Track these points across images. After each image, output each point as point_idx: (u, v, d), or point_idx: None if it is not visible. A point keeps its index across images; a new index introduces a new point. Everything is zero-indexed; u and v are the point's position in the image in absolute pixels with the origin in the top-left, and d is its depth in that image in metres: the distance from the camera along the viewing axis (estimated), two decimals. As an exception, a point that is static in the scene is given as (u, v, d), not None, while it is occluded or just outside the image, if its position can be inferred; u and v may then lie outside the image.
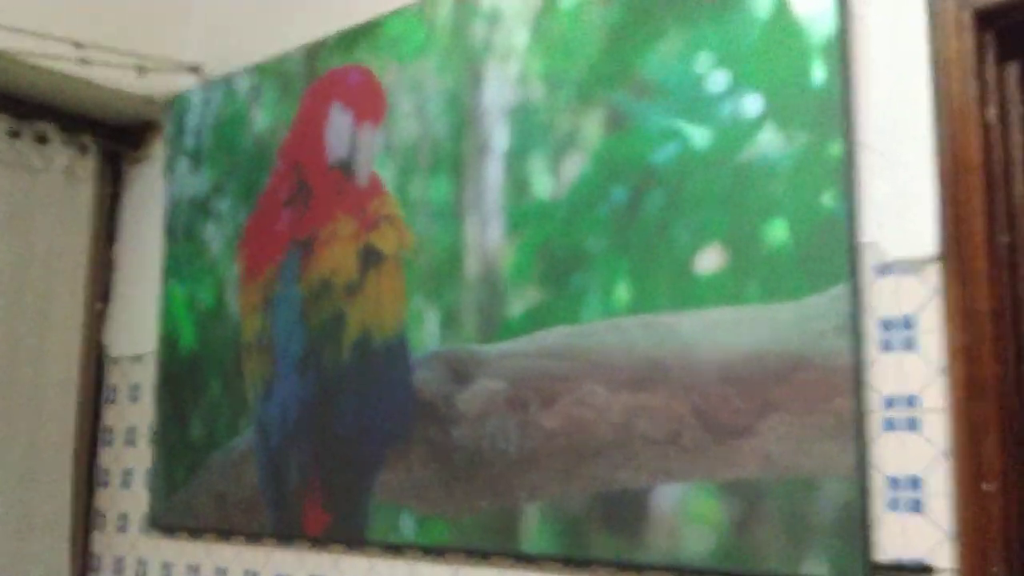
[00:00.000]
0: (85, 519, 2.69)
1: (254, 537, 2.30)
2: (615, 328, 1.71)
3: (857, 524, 1.42)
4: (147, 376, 2.66)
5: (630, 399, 1.66)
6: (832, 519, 1.44)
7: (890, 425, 1.44)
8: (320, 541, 2.16)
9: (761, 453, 1.52)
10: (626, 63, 1.77)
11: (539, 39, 1.90)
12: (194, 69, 2.65)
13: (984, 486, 1.35)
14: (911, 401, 1.43)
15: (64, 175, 2.66)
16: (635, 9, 1.77)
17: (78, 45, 2.46)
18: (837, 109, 1.52)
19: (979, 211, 1.40)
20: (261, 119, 2.42)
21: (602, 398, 1.70)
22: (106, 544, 2.69)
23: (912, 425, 1.42)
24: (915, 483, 1.41)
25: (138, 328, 2.73)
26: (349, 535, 2.08)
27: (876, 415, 1.46)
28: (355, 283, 2.12)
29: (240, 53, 2.57)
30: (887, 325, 1.47)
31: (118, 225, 2.86)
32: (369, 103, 2.18)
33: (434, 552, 1.95)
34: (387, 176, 2.11)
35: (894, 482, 1.43)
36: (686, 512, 1.59)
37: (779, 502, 1.50)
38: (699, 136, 1.67)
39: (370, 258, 2.10)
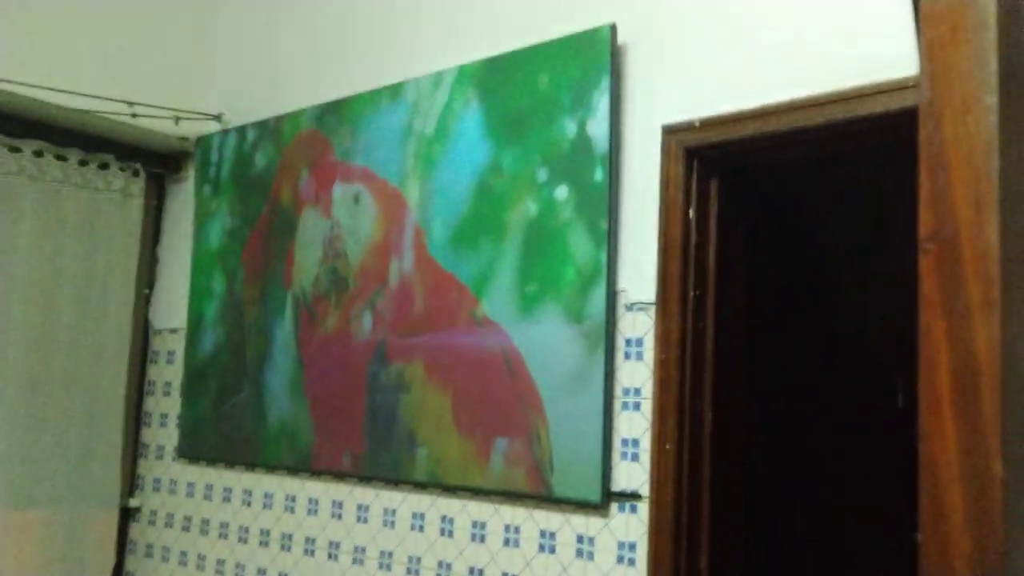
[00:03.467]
0: (133, 450, 3.65)
1: (250, 466, 3.23)
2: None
3: (602, 468, 2.28)
4: (180, 344, 3.60)
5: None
6: (584, 463, 2.31)
7: (625, 406, 2.30)
8: (293, 470, 3.08)
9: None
10: (493, 157, 2.62)
11: (440, 132, 2.76)
12: (216, 117, 3.54)
13: (667, 446, 2.20)
14: (637, 392, 2.28)
15: (121, 193, 3.57)
16: (500, 123, 2.61)
17: (131, 103, 3.37)
18: (607, 198, 2.36)
19: (678, 274, 2.24)
20: (259, 161, 3.31)
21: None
22: (148, 468, 3.65)
23: (636, 407, 2.28)
24: (635, 443, 2.27)
25: (175, 307, 3.66)
26: (308, 466, 2.99)
27: (618, 400, 2.31)
28: (322, 291, 3.01)
29: (252, 108, 3.46)
30: (628, 342, 2.32)
31: (161, 230, 3.78)
32: (324, 169, 3.05)
33: (364, 478, 2.86)
34: (341, 216, 2.99)
35: (624, 442, 2.29)
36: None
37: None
38: (531, 207, 2.51)
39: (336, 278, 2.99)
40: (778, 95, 2.15)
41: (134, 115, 3.38)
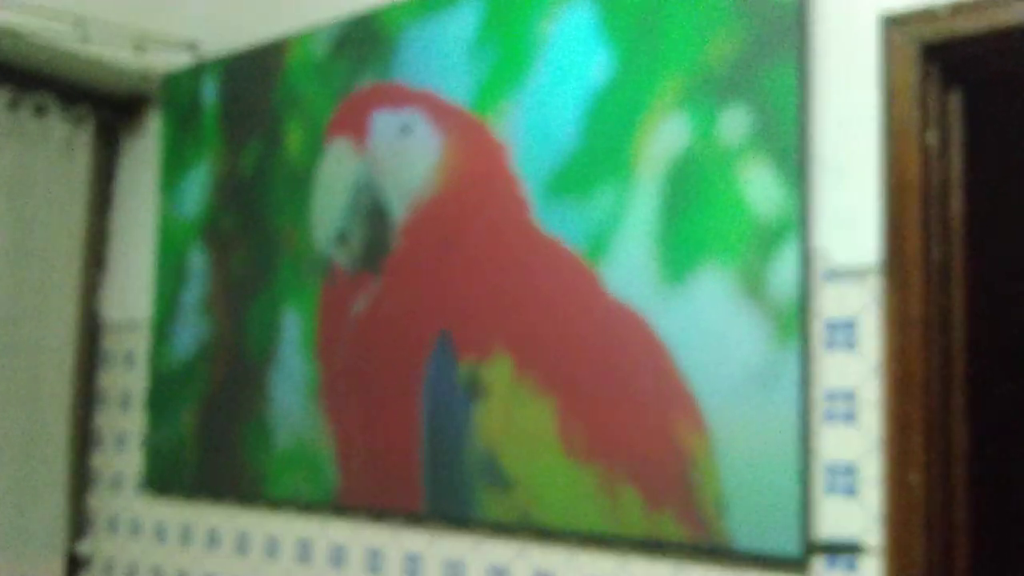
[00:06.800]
0: (80, 480, 2.81)
1: (245, 501, 2.45)
2: (587, 318, 1.86)
3: (800, 507, 1.58)
4: (141, 342, 2.78)
5: (599, 384, 1.83)
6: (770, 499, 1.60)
7: (830, 417, 1.60)
8: (309, 507, 2.31)
9: (715, 438, 1.68)
10: (613, 68, 1.90)
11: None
12: (189, 46, 2.74)
13: (910, 477, 1.51)
14: (848, 395, 1.58)
15: (62, 146, 2.75)
16: (621, 21, 1.90)
17: (79, 21, 2.55)
18: (797, 119, 1.65)
19: (918, 226, 1.54)
20: (254, 99, 2.53)
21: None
22: (100, 503, 2.82)
23: (849, 418, 1.58)
24: (849, 469, 1.57)
25: (133, 295, 2.84)
26: (332, 501, 2.24)
27: (819, 407, 1.61)
28: (344, 263, 2.26)
29: (233, 34, 2.66)
30: (831, 325, 1.62)
31: (111, 194, 2.96)
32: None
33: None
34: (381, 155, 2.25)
35: (832, 469, 1.59)
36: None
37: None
38: (676, 136, 1.80)
39: (359, 240, 2.24)
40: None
41: (84, 39, 2.56)
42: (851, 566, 1.54)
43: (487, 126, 2.06)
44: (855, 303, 1.60)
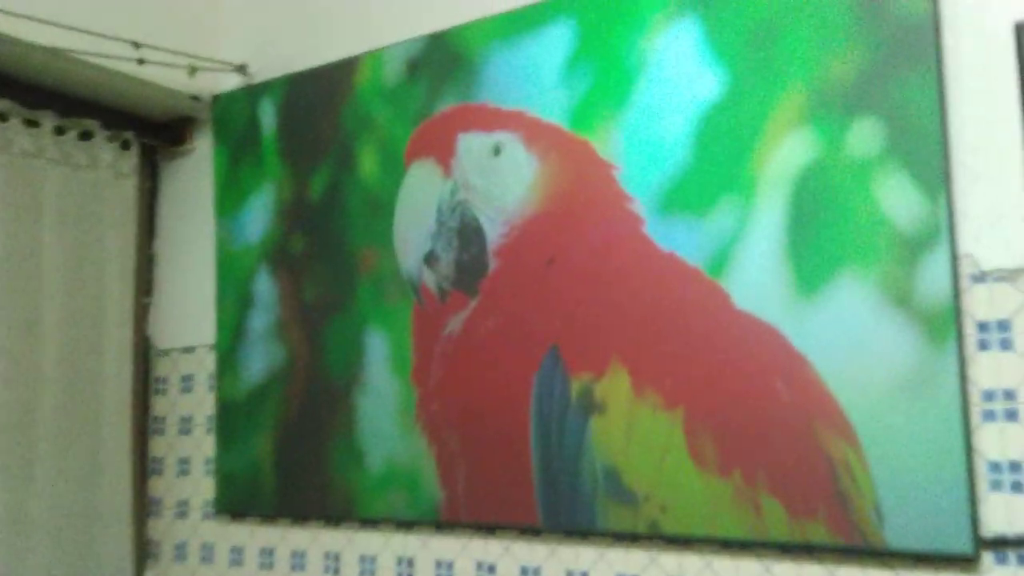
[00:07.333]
0: (140, 507, 2.76)
1: (332, 521, 2.44)
2: (717, 330, 1.90)
3: (969, 505, 1.64)
4: (199, 367, 2.74)
5: (734, 394, 1.87)
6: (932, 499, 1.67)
7: (990, 417, 1.67)
8: (407, 524, 2.31)
9: (863, 442, 1.74)
10: (723, 86, 1.95)
11: (628, 59, 2.06)
12: (239, 68, 2.70)
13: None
14: (1010, 395, 1.66)
15: (108, 171, 2.68)
16: (729, 38, 1.94)
17: (137, 45, 2.49)
18: (940, 128, 1.72)
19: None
20: (318, 122, 2.51)
21: (706, 393, 1.90)
22: (163, 530, 2.77)
23: (1012, 416, 1.65)
24: (1016, 467, 1.64)
25: (185, 320, 2.80)
26: (435, 518, 2.24)
27: (976, 408, 1.68)
28: (440, 283, 2.26)
29: (285, 56, 2.64)
30: (983, 327, 1.69)
31: (155, 219, 2.90)
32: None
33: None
34: (470, 175, 2.25)
35: (994, 466, 1.66)
36: (790, 494, 1.80)
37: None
38: (801, 151, 1.85)
39: (455, 260, 2.25)
40: None
41: (141, 61, 2.50)
42: (1022, 560, 1.62)
43: (591, 144, 2.08)
44: (1009, 304, 1.67)
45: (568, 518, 2.05)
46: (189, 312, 2.79)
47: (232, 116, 2.69)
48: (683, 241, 1.95)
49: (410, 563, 2.30)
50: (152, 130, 2.80)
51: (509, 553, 2.16)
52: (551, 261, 2.10)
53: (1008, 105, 1.70)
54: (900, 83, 1.76)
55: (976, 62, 1.73)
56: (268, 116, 2.62)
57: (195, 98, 2.70)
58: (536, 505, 2.10)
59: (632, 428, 1.98)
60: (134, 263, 2.75)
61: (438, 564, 2.26)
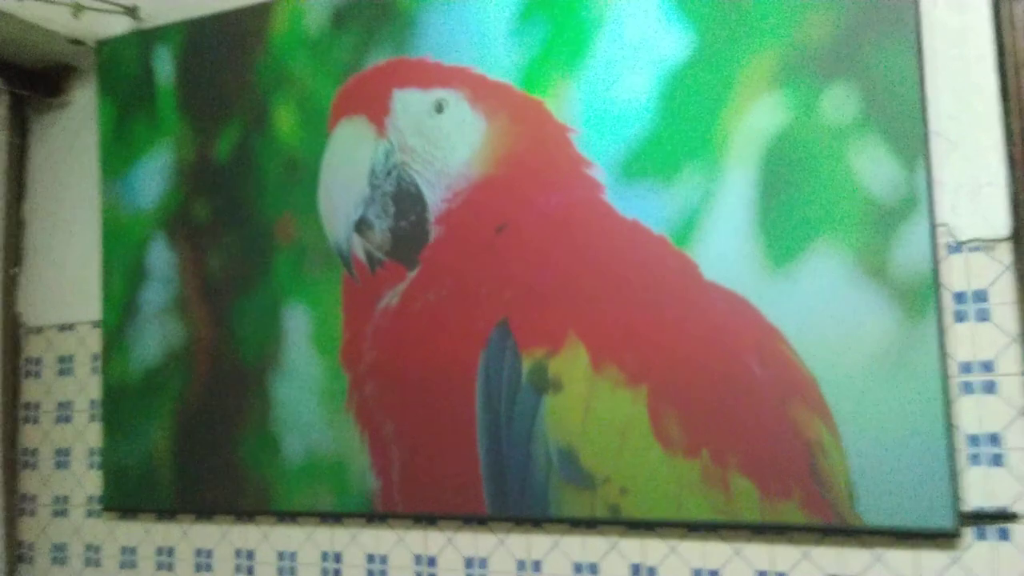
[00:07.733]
0: (8, 504, 2.45)
1: (245, 517, 2.22)
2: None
3: (950, 480, 1.60)
4: (80, 347, 2.45)
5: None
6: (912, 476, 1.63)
7: (967, 389, 1.64)
8: (335, 517, 2.13)
9: (842, 418, 1.68)
10: (689, 46, 1.85)
11: (586, 15, 1.93)
12: (129, 11, 2.41)
13: (1054, 441, 1.57)
14: (987, 366, 1.63)
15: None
16: (693, -7, 1.84)
17: (11, -19, 2.18)
18: (919, 93, 1.67)
19: (1048, 196, 1.60)
20: (226, 75, 2.26)
21: (674, 369, 1.79)
22: (37, 530, 2.47)
23: (989, 388, 1.62)
24: (994, 439, 1.61)
25: (61, 294, 2.49)
26: (367, 509, 2.07)
27: (954, 381, 1.65)
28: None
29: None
30: (960, 297, 1.65)
31: (25, 180, 2.57)
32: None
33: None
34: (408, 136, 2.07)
35: (974, 440, 1.63)
36: (764, 473, 1.73)
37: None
38: (771, 116, 1.77)
39: (390, 228, 2.06)
40: None
41: (18, -1, 2.19)
42: (1003, 534, 1.59)
43: (545, 105, 1.94)
44: (987, 275, 1.64)
45: (518, 505, 1.92)
46: (67, 285, 2.49)
47: (121, 64, 2.40)
48: (647, 208, 1.84)
49: (338, 558, 2.11)
50: (23, 78, 2.47)
51: (452, 544, 2.01)
52: (501, 228, 1.96)
53: (985, 74, 1.67)
54: (877, 47, 1.70)
55: (953, 28, 1.69)
56: (165, 65, 2.35)
57: (77, 42, 2.39)
58: (482, 492, 1.95)
59: (590, 407, 1.86)
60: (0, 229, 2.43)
61: (370, 558, 2.08)
